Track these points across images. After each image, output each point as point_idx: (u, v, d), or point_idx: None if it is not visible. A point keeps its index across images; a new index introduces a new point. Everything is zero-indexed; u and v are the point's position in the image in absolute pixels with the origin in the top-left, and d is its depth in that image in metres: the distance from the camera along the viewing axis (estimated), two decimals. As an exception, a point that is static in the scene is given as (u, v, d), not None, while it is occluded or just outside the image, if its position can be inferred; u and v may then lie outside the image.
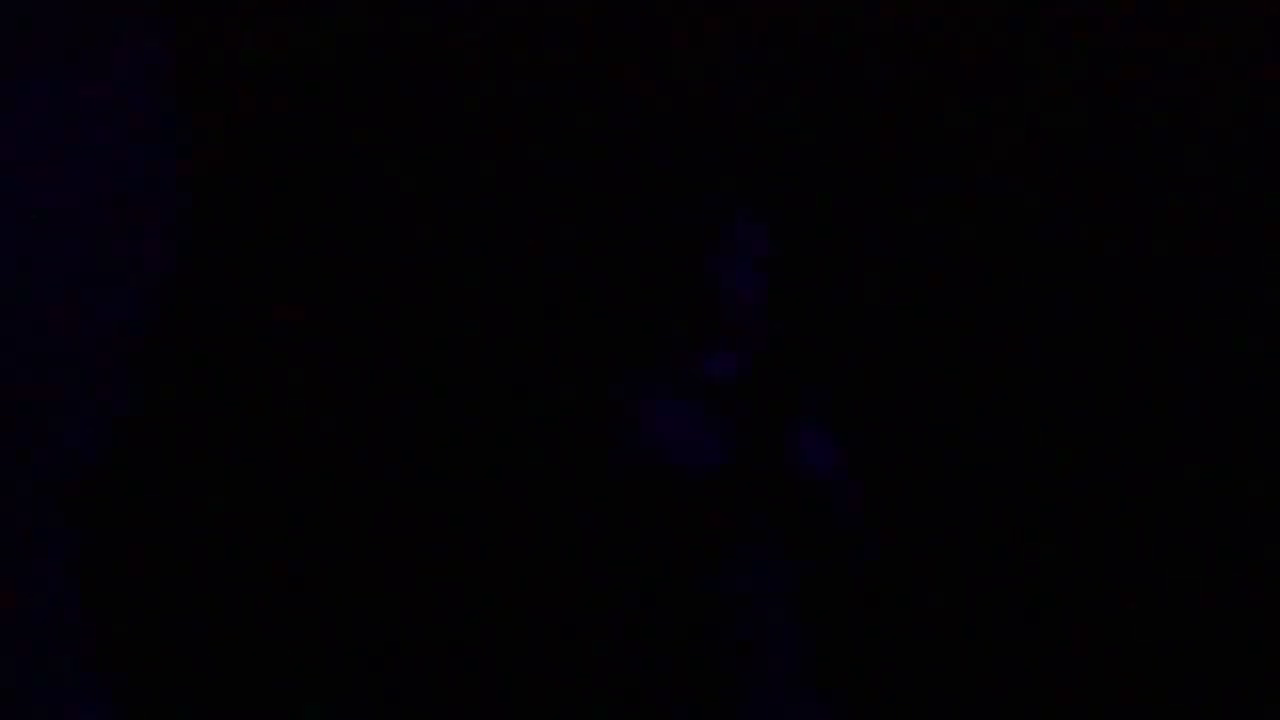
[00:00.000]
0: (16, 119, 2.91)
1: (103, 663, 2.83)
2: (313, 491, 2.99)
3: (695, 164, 3.11)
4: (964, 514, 3.04)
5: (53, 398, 2.86)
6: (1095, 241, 3.18)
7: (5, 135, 2.90)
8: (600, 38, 3.24)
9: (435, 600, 2.92)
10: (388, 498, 2.99)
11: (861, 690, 2.89)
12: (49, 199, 2.90)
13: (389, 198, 3.15)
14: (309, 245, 3.11)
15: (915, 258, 3.18)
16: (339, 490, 2.99)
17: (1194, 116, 3.20)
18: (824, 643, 2.62)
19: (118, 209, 2.99)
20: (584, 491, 2.58)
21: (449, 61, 3.20)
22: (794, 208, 3.17)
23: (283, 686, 2.90)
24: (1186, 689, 2.86)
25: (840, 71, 3.25)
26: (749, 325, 2.64)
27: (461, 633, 2.90)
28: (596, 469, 2.58)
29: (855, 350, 3.12)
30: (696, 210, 2.69)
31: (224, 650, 2.90)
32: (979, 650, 2.96)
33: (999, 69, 3.23)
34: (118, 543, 2.91)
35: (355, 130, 3.16)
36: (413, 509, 2.98)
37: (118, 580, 2.89)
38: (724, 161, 3.16)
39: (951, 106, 3.24)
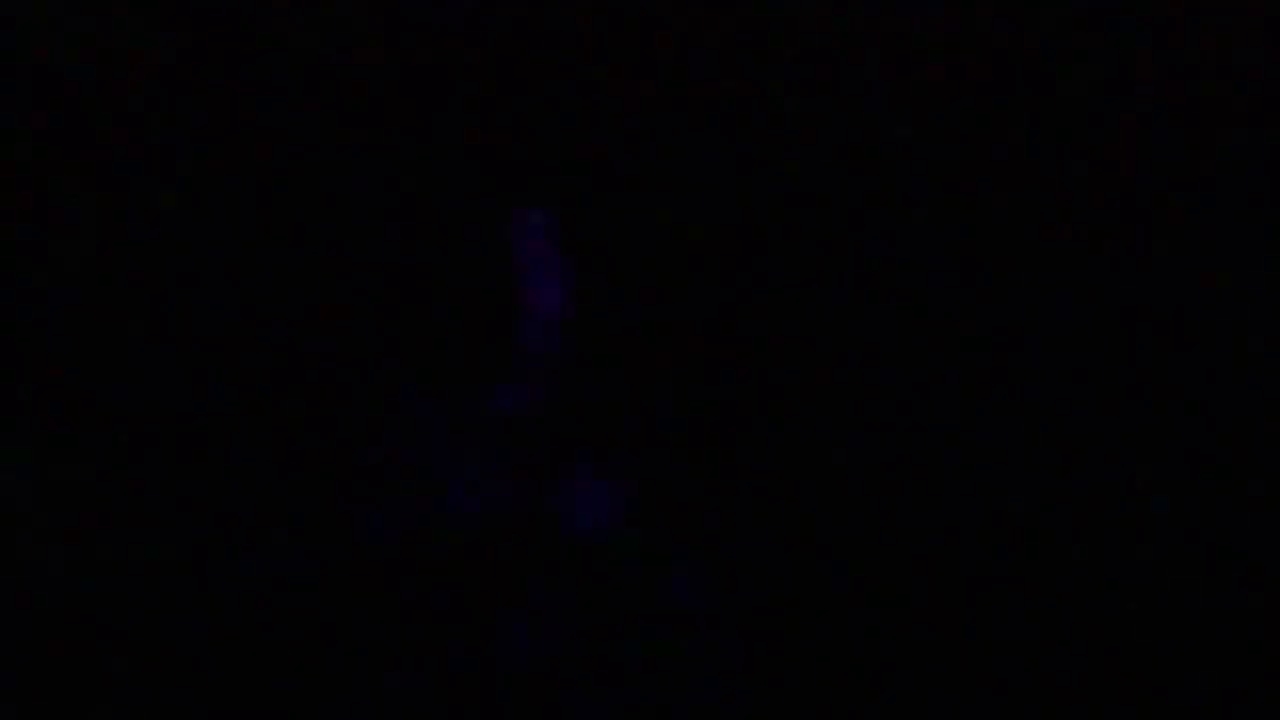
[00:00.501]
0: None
1: None
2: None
3: (494, 177, 2.82)
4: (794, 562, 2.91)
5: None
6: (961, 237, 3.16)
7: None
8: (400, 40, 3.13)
9: (205, 664, 2.72)
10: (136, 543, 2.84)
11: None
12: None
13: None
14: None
15: (747, 285, 3.05)
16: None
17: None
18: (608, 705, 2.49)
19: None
20: (347, 542, 2.40)
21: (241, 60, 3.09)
22: (601, 223, 2.91)
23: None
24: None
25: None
26: (548, 354, 2.42)
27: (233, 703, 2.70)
28: (362, 516, 2.39)
29: (658, 386, 2.84)
30: (495, 227, 2.47)
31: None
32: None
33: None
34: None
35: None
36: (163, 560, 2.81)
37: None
38: (525, 175, 2.89)
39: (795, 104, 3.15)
